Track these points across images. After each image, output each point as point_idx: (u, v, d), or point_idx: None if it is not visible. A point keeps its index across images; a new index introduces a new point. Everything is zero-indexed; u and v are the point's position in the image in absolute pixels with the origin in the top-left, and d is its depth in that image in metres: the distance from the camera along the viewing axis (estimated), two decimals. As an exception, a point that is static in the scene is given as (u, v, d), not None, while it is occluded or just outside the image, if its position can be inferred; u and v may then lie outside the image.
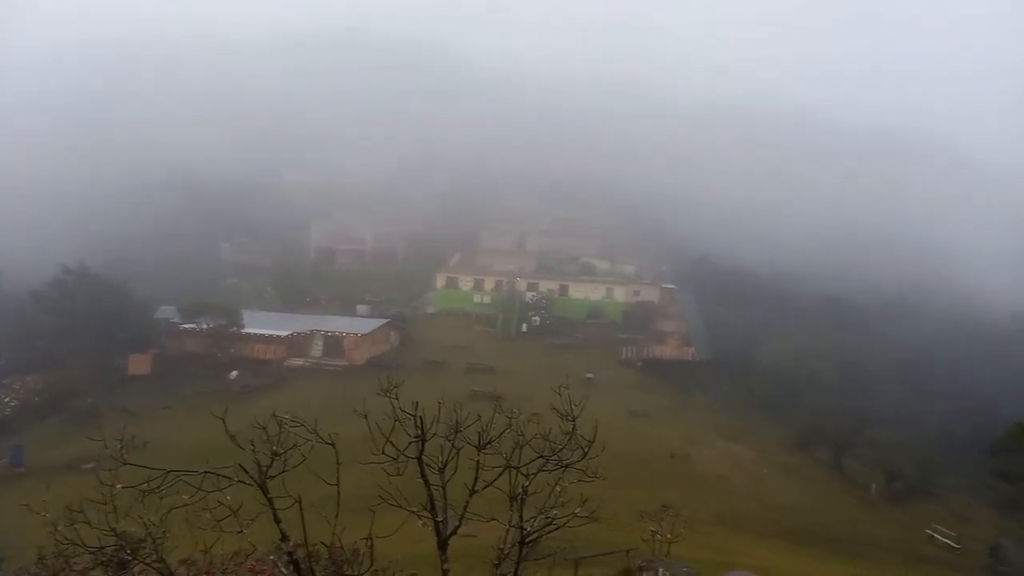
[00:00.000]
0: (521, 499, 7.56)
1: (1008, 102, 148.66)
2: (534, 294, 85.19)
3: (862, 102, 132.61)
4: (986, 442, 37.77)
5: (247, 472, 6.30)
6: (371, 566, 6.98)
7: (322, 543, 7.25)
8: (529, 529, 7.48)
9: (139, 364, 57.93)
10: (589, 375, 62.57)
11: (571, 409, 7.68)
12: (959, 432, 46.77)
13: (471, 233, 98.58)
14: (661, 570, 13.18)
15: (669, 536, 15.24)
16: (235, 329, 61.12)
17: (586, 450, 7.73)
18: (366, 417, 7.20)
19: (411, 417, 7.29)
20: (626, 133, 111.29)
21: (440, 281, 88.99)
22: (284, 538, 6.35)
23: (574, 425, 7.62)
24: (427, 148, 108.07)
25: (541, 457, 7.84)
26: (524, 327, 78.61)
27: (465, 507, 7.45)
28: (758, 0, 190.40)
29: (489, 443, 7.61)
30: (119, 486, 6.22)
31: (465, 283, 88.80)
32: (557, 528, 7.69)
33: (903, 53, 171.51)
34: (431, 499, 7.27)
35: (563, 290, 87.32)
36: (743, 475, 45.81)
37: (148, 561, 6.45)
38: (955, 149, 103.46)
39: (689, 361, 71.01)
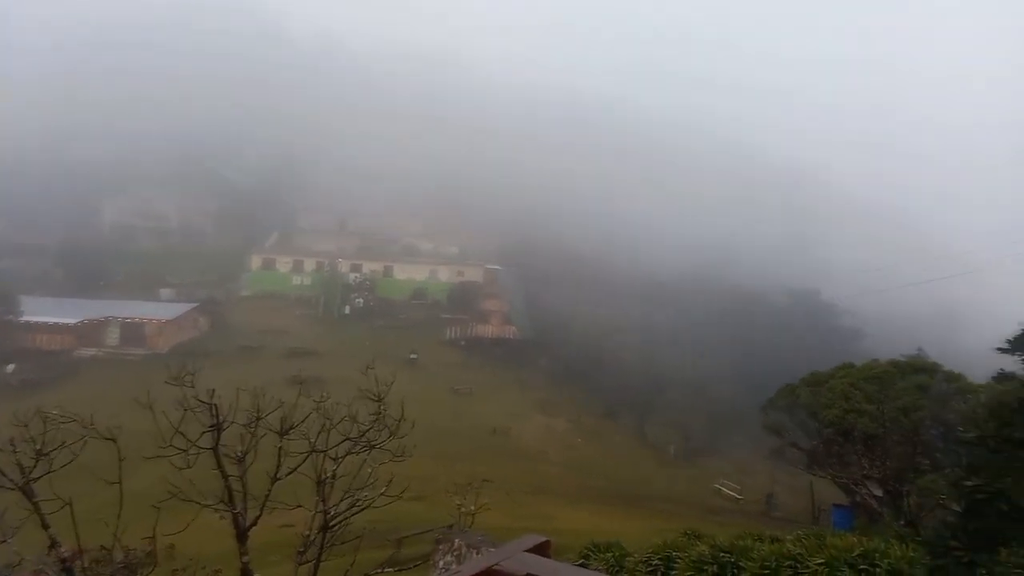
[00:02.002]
0: (328, 484, 7.52)
1: (784, 103, 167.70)
2: (357, 275, 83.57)
3: (666, 101, 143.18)
4: (762, 403, 43.22)
5: (5, 476, 5.75)
6: (155, 566, 6.64)
7: (102, 547, 6.78)
8: (333, 513, 7.47)
9: None
10: (413, 356, 62.77)
11: (379, 390, 7.75)
12: (742, 395, 52.68)
13: (289, 213, 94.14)
14: (457, 540, 13.64)
15: (474, 508, 15.82)
16: (11, 317, 54.19)
17: (393, 430, 7.81)
18: (151, 408, 6.81)
19: (206, 406, 7.01)
20: (449, 114, 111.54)
21: (255, 262, 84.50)
22: (53, 544, 5.88)
23: (380, 406, 7.68)
24: (241, 121, 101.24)
25: (348, 440, 7.83)
26: (347, 309, 77.00)
27: (266, 496, 7.30)
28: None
29: (291, 428, 7.49)
30: None
31: (283, 264, 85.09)
32: (362, 509, 7.74)
33: (691, 59, 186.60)
34: (228, 491, 7.05)
35: (387, 271, 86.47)
36: (558, 445, 48.45)
37: None
38: (739, 148, 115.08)
39: (511, 339, 73.44)
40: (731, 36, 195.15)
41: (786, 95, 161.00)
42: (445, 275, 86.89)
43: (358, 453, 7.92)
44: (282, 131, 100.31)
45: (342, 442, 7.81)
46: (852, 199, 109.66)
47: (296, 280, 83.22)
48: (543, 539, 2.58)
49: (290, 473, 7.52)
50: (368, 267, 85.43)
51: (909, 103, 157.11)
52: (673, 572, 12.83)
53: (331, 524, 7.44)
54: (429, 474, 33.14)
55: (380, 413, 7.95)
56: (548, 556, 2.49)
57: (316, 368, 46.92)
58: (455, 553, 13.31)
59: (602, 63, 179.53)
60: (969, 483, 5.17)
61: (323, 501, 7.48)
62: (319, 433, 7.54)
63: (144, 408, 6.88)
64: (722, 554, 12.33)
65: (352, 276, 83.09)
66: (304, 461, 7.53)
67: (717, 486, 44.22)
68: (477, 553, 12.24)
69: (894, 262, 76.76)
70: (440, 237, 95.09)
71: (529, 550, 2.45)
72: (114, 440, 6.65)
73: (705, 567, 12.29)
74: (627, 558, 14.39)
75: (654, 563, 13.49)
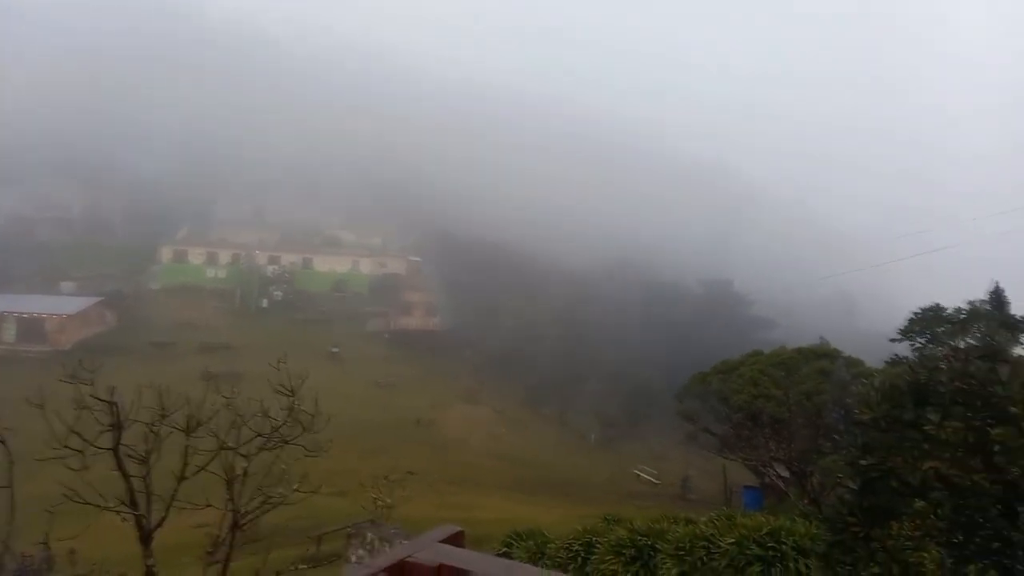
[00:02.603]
0: (238, 482, 7.28)
1: (704, 108, 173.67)
2: (275, 267, 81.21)
3: (591, 100, 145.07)
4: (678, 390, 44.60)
5: None
6: (49, 570, 6.27)
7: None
8: (243, 511, 7.24)
9: None
10: (335, 349, 61.62)
11: (294, 384, 7.53)
12: (660, 382, 54.21)
13: (204, 204, 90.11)
14: (369, 534, 13.53)
15: (390, 501, 15.70)
16: None
17: (307, 425, 7.61)
18: (42, 407, 6.39)
19: (105, 404, 6.64)
20: (372, 104, 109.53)
21: (166, 255, 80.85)
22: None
23: (293, 400, 7.47)
24: (152, 110, 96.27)
25: (259, 436, 7.59)
26: (264, 302, 74.75)
27: (172, 497, 7.00)
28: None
29: (198, 426, 7.21)
30: None
31: (196, 256, 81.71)
32: (274, 507, 7.52)
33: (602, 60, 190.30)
34: (130, 492, 6.72)
35: (306, 263, 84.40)
36: (482, 435, 48.61)
37: None
38: (661, 149, 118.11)
39: (434, 331, 73.09)
40: (659, 44, 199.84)
41: (707, 101, 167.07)
42: (367, 267, 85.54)
43: (271, 449, 7.68)
44: (197, 120, 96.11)
45: (253, 439, 7.54)
46: (765, 198, 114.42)
47: (210, 273, 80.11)
48: (457, 529, 2.57)
49: (197, 472, 7.21)
50: (287, 259, 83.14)
51: (819, 111, 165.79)
52: (593, 557, 13.11)
53: (241, 523, 7.19)
54: (354, 468, 32.68)
55: (293, 408, 7.72)
56: (462, 546, 2.48)
57: (233, 363, 45.39)
58: (368, 547, 13.20)
59: (528, 60, 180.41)
60: (864, 462, 5.45)
61: (231, 500, 7.22)
62: (228, 430, 7.28)
63: (37, 408, 6.46)
64: (639, 538, 12.67)
65: (270, 268, 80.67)
66: (212, 459, 7.24)
67: (636, 471, 45.38)
68: (390, 546, 12.13)
69: (803, 256, 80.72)
70: (362, 228, 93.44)
71: (443, 541, 2.43)
72: (3, 442, 6.22)
73: (623, 551, 12.60)
74: (548, 545, 14.60)
75: (575, 549, 13.75)
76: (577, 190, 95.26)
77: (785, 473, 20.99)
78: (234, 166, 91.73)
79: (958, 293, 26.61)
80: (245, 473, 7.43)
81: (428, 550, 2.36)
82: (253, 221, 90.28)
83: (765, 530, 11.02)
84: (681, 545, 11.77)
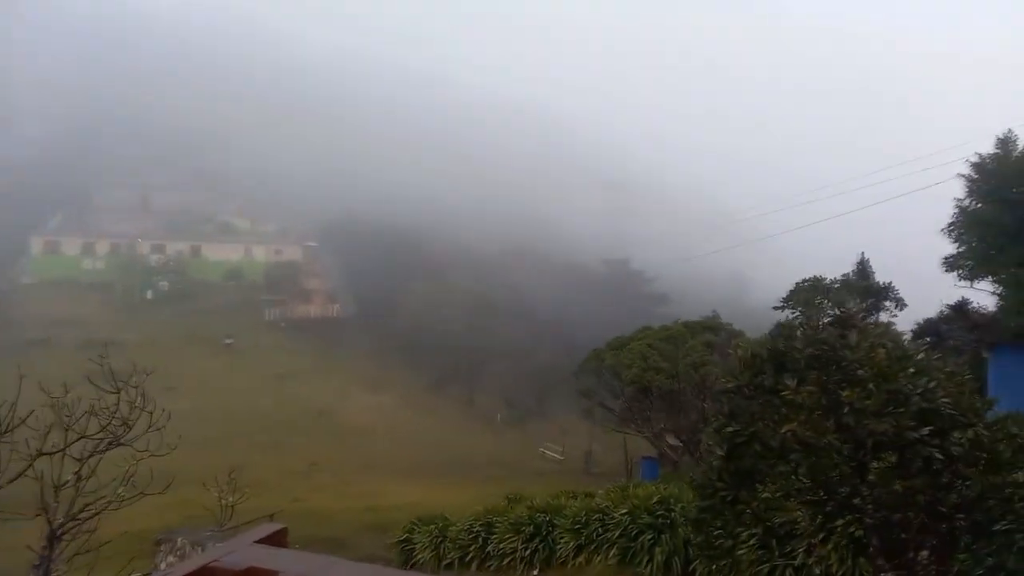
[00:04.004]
0: (61, 488, 6.68)
1: (603, 93, 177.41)
2: (160, 256, 76.92)
3: (488, 86, 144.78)
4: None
5: None
6: None
7: None
8: (63, 520, 6.68)
9: None
10: (228, 340, 59.29)
11: (120, 381, 7.03)
12: (563, 360, 55.17)
13: (79, 189, 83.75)
14: (180, 539, 13.12)
15: (231, 500, 15.16)
16: None
17: (152, 422, 7.03)
18: None
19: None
20: (264, 87, 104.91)
21: (37, 246, 75.00)
22: None
23: (140, 396, 7.00)
24: (14, 82, 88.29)
25: (83, 437, 6.97)
26: (149, 294, 70.77)
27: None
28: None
29: (8, 430, 6.55)
30: None
31: (71, 247, 76.19)
32: (97, 513, 6.93)
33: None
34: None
35: (195, 251, 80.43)
36: (387, 422, 48.15)
37: None
38: (559, 133, 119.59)
39: (335, 318, 71.47)
40: (555, 32, 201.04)
41: (603, 85, 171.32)
42: (262, 254, 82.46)
43: (103, 452, 7.02)
44: (70, 96, 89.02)
45: (77, 440, 6.86)
46: (661, 177, 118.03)
47: (88, 264, 74.97)
48: (278, 527, 2.45)
49: (12, 481, 6.53)
50: (173, 247, 78.85)
51: (716, 101, 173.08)
52: (493, 536, 13.25)
53: (59, 534, 6.60)
54: (251, 462, 31.59)
55: (124, 404, 7.01)
56: (284, 545, 2.38)
57: (118, 360, 42.74)
58: (178, 553, 12.78)
59: (426, 45, 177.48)
60: (729, 429, 5.70)
61: (45, 510, 6.60)
62: (46, 432, 6.61)
63: None
64: (538, 514, 12.91)
65: (154, 258, 76.32)
66: (29, 466, 6.57)
67: (541, 449, 46.21)
68: (202, 550, 11.71)
69: (696, 232, 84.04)
70: (256, 215, 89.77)
71: (262, 540, 2.31)
72: None
73: (523, 528, 12.80)
74: (450, 528, 14.64)
75: (476, 530, 13.85)
76: (477, 173, 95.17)
77: (676, 442, 21.94)
78: (114, 149, 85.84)
79: (847, 261, 28.44)
80: (79, 478, 6.79)
81: (240, 552, 2.24)
82: (136, 208, 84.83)
83: (656, 499, 11.45)
84: (578, 519, 12.07)
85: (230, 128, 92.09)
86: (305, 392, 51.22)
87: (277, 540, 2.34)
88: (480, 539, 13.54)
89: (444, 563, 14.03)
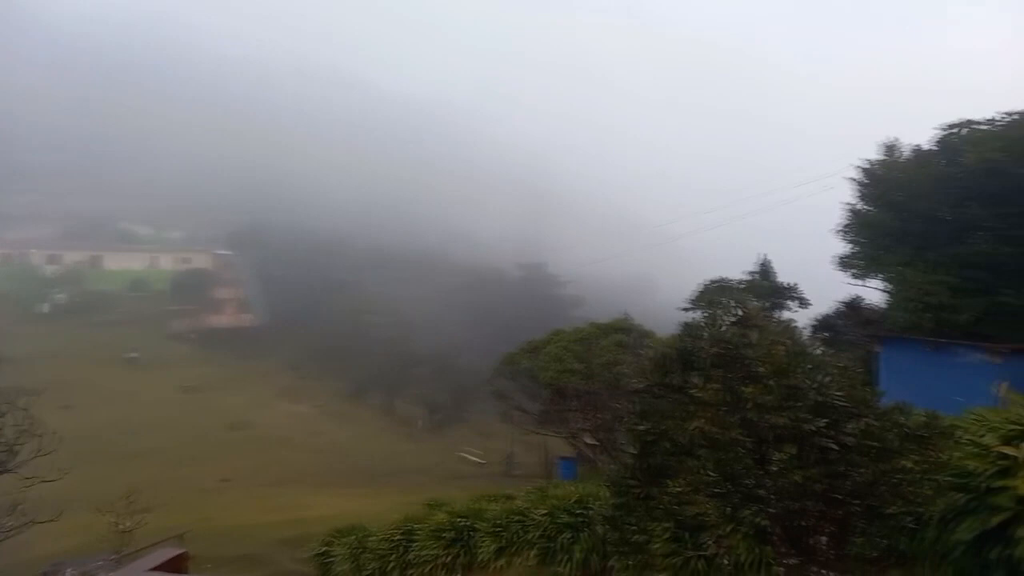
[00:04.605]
0: None
1: (523, 102, 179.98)
2: (56, 267, 72.35)
3: (409, 89, 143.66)
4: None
5: None
6: None
7: None
8: None
9: None
10: (133, 354, 56.42)
11: (21, 403, 6.62)
12: (482, 365, 55.07)
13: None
14: (68, 570, 12.54)
15: (127, 525, 14.53)
16: None
17: (40, 448, 6.55)
18: None
19: None
20: (173, 87, 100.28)
21: (-89, 256, 69.20)
22: None
23: (26, 419, 6.56)
24: None
25: None
26: (45, 307, 66.42)
27: None
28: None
29: None
30: None
31: (-48, 257, 70.71)
32: None
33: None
34: None
35: (96, 261, 76.05)
36: (304, 432, 46.91)
37: None
38: (481, 140, 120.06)
39: (248, 328, 69.08)
40: (478, 37, 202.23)
41: (519, 94, 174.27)
42: (168, 263, 78.75)
43: None
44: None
45: None
46: (572, 184, 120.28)
47: (-28, 275, 69.72)
48: (178, 552, 2.36)
49: None
50: (71, 257, 74.30)
51: (620, 116, 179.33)
52: (414, 544, 13.12)
53: None
54: (162, 479, 30.10)
55: (9, 428, 6.54)
56: (184, 571, 2.28)
57: (9, 377, 39.88)
58: None
59: (337, 45, 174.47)
60: (641, 427, 5.86)
61: None
62: None
63: None
64: (458, 519, 12.88)
65: (50, 268, 71.72)
66: None
67: (462, 454, 46.07)
68: None
69: (606, 237, 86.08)
70: (162, 222, 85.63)
71: (159, 566, 2.22)
72: None
73: (443, 534, 12.75)
74: (369, 538, 14.39)
75: (396, 539, 13.67)
76: (392, 177, 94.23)
77: (593, 442, 22.34)
78: (4, 154, 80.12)
79: (750, 263, 29.75)
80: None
81: (132, 581, 2.15)
82: (30, 216, 79.30)
83: (574, 499, 11.64)
84: (498, 522, 12.12)
85: (133, 132, 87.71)
86: (217, 405, 49.27)
87: (176, 566, 2.25)
88: (400, 548, 13.39)
89: (364, 574, 13.79)
